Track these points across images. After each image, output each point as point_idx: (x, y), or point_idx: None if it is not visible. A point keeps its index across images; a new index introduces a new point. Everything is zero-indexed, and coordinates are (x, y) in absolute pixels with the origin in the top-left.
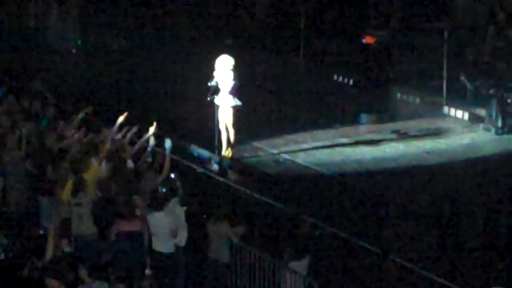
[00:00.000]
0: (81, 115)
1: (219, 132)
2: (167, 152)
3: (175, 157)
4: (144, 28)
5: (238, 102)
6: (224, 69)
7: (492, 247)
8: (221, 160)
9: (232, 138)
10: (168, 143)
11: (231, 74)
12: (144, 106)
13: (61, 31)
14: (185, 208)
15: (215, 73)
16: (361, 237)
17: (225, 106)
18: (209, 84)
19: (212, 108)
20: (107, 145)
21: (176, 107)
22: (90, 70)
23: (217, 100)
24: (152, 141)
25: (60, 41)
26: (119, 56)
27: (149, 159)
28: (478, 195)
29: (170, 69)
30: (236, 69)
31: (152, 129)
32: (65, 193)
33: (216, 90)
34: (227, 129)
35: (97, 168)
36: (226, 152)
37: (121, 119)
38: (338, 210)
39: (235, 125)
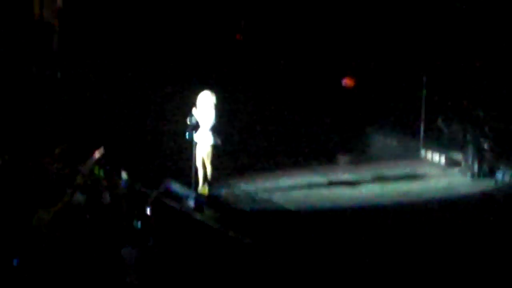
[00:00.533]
0: (58, 150)
1: (196, 168)
2: (123, 184)
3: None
4: (126, 62)
5: (218, 141)
6: (205, 106)
7: None
8: (198, 197)
9: (209, 175)
10: (123, 175)
11: (212, 112)
12: (122, 140)
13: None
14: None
15: (194, 110)
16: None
17: (204, 143)
18: (188, 121)
19: (190, 145)
20: (81, 178)
21: (154, 143)
22: (70, 103)
23: (196, 136)
24: (124, 175)
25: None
26: (99, 90)
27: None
28: (451, 237)
29: (151, 105)
30: (218, 106)
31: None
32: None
33: (195, 127)
34: (204, 166)
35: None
36: (202, 189)
37: (97, 154)
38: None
39: (213, 162)
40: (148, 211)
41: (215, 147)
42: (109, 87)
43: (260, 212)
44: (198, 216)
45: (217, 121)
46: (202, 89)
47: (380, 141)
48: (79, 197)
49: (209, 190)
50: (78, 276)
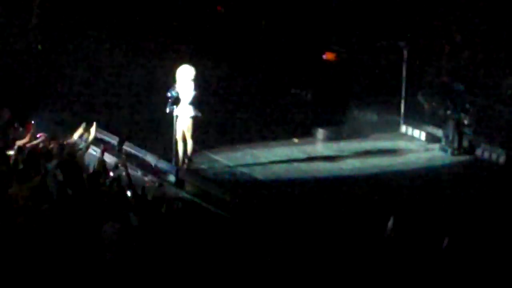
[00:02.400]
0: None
1: (177, 142)
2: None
3: (131, 167)
4: (107, 35)
5: (198, 113)
6: (185, 79)
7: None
8: (178, 171)
9: (189, 149)
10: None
11: (192, 85)
12: (103, 113)
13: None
14: (138, 218)
15: (176, 84)
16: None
17: (185, 116)
18: (168, 94)
19: (171, 118)
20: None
21: (135, 116)
22: (50, 74)
23: (177, 110)
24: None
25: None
26: (81, 62)
27: None
28: (429, 211)
29: (131, 78)
30: (197, 79)
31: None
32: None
33: (176, 101)
34: (184, 139)
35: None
36: (182, 163)
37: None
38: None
39: (193, 136)
40: (129, 193)
41: (195, 120)
42: (89, 59)
43: (240, 186)
44: (178, 191)
45: (197, 94)
46: (182, 62)
47: (361, 116)
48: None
49: (189, 164)
50: (58, 253)
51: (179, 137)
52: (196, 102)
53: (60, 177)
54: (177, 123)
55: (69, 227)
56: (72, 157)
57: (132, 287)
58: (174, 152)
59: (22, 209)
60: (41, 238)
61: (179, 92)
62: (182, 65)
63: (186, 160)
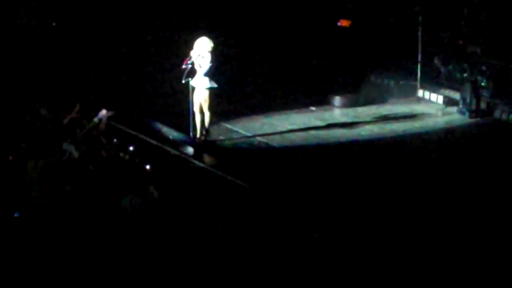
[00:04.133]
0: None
1: (194, 114)
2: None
3: (150, 140)
4: (121, 9)
5: (214, 85)
6: (202, 51)
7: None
8: (196, 143)
9: (207, 121)
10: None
11: (209, 56)
12: (119, 88)
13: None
14: (158, 192)
15: (192, 54)
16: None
17: (201, 88)
18: (183, 66)
19: (187, 91)
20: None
21: (151, 90)
22: (61, 49)
23: (193, 82)
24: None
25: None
26: (94, 35)
27: None
28: (449, 176)
29: (146, 52)
30: (214, 51)
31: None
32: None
33: (191, 72)
34: (202, 111)
35: None
36: (200, 134)
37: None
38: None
39: (211, 107)
40: (148, 167)
41: (212, 91)
42: (104, 34)
43: (259, 156)
44: (197, 162)
45: (213, 66)
46: (198, 35)
47: (377, 81)
48: (72, 149)
49: (207, 135)
50: (78, 226)
51: (196, 109)
52: (212, 74)
53: (77, 154)
54: (194, 95)
55: (89, 202)
56: (92, 134)
57: (153, 259)
58: (191, 124)
59: (42, 188)
60: (62, 214)
61: (194, 63)
62: (200, 37)
63: (203, 132)
